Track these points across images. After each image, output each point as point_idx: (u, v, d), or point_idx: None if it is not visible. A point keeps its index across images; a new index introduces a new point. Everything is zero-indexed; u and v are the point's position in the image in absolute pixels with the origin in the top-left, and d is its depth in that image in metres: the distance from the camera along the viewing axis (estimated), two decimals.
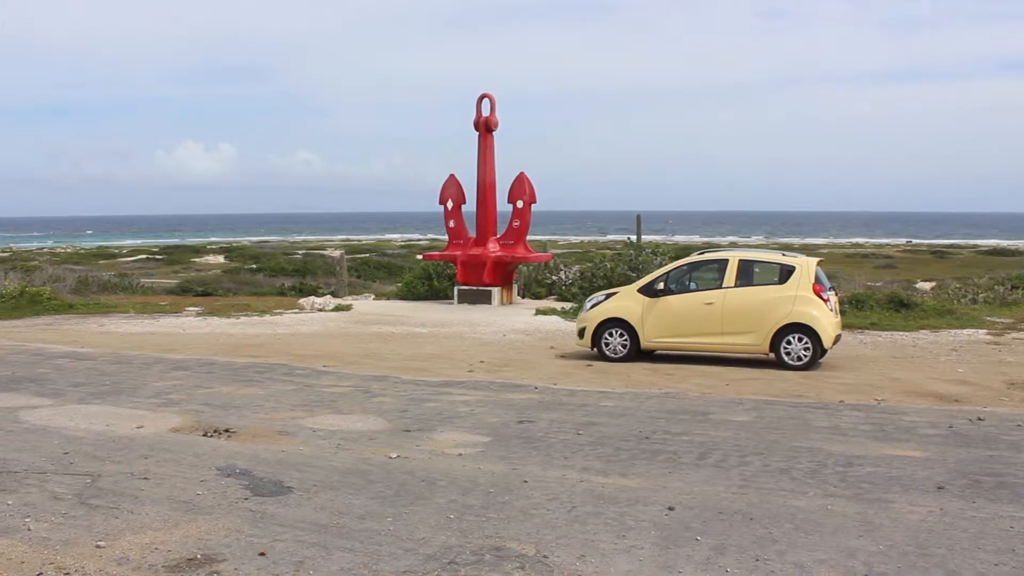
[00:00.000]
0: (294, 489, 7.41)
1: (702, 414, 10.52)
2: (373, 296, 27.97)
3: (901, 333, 18.13)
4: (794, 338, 14.07)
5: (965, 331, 18.25)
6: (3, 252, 71.58)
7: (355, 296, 27.63)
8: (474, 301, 23.80)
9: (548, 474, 7.90)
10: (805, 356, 14.02)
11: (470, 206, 24.77)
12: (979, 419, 10.19)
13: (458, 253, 24.51)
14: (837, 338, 14.71)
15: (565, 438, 9.29)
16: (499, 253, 23.96)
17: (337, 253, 40.63)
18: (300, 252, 68.14)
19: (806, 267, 14.49)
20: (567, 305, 23.01)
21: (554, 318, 20.80)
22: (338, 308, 23.64)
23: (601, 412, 10.65)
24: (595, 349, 15.25)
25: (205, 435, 9.40)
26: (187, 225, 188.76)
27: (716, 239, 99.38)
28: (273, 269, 44.97)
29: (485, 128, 24.06)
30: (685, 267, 15.24)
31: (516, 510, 6.87)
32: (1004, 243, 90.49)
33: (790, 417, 10.36)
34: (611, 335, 15.07)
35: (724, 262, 14.88)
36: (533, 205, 24.16)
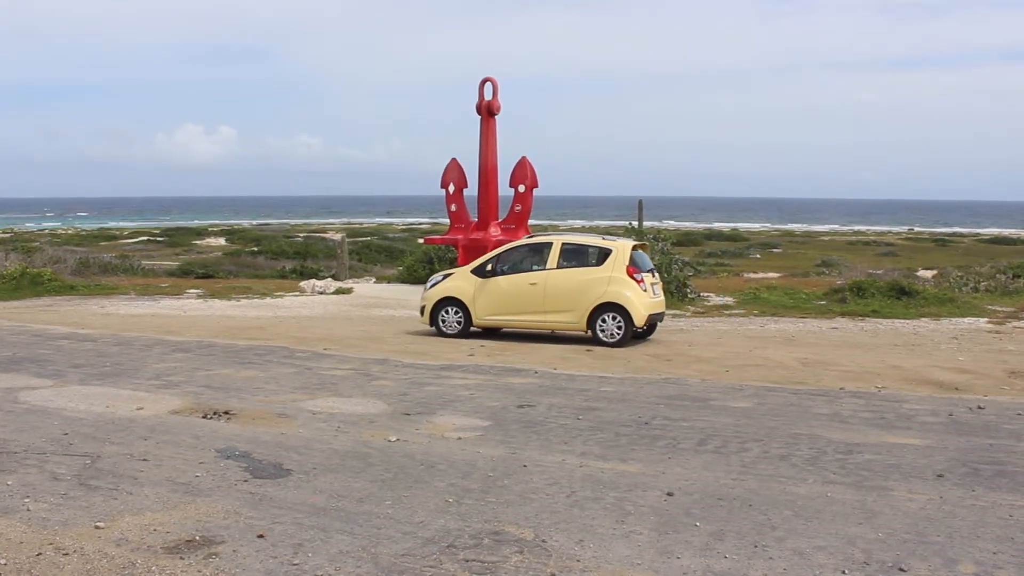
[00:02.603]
0: (293, 472, 7.41)
1: (702, 400, 10.51)
2: (374, 279, 27.97)
3: (902, 321, 18.12)
4: (608, 316, 15.02)
5: (966, 319, 18.24)
6: (4, 233, 71.52)
7: (356, 279, 27.63)
8: None
9: (547, 459, 7.89)
10: (618, 334, 14.95)
11: (472, 190, 24.71)
12: (979, 407, 10.18)
13: (459, 237, 24.45)
14: (658, 317, 15.80)
15: (565, 423, 9.28)
16: (500, 237, 23.87)
17: (338, 236, 40.59)
18: (301, 235, 68.06)
19: (622, 250, 15.39)
20: None
21: None
22: (339, 291, 23.63)
23: (601, 397, 10.65)
24: (433, 326, 16.18)
25: (205, 417, 9.40)
26: (186, 207, 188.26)
27: (716, 225, 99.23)
28: (274, 252, 44.91)
29: (487, 112, 23.96)
30: (515, 249, 16.21)
31: (515, 494, 6.86)
32: (1006, 231, 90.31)
33: (790, 404, 10.35)
34: (447, 313, 16.07)
35: (548, 245, 15.83)
36: (535, 190, 24.10)
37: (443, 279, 16.49)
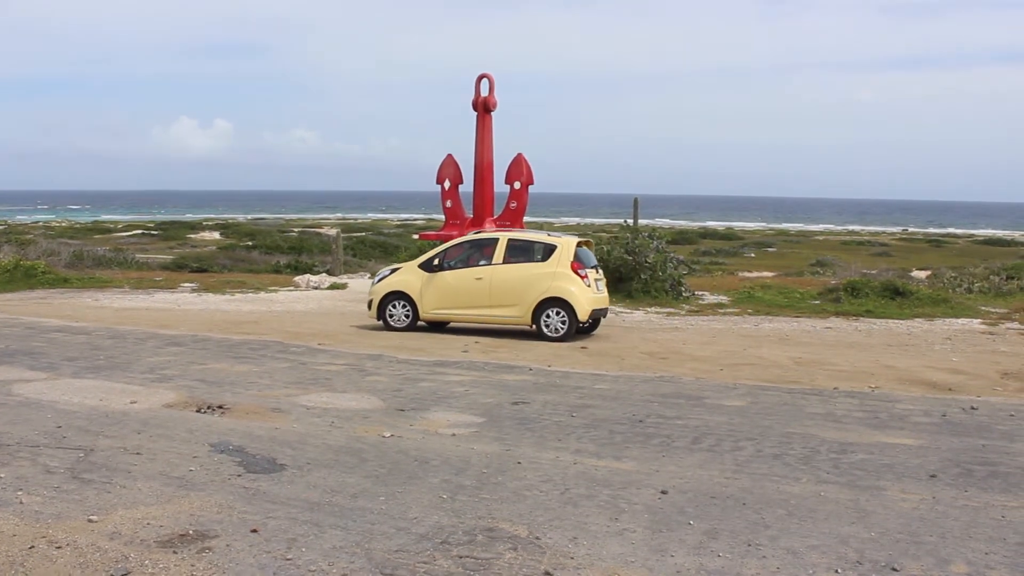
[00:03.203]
0: (287, 467, 7.40)
1: (696, 398, 10.52)
2: (369, 275, 27.92)
3: (896, 321, 18.15)
4: (552, 311, 15.35)
5: (960, 320, 18.28)
6: None
7: (351, 275, 27.60)
8: None
9: (541, 456, 7.90)
10: (562, 328, 15.29)
11: (467, 186, 24.67)
12: (972, 408, 10.21)
13: (455, 233, 24.41)
14: (602, 312, 16.12)
15: (559, 420, 9.28)
16: None
17: (333, 231, 40.52)
18: (296, 230, 67.92)
19: (566, 246, 15.73)
20: None
21: None
22: (333, 286, 23.62)
23: (595, 395, 10.65)
24: (380, 320, 16.36)
25: (199, 411, 9.39)
26: (180, 201, 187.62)
27: (711, 224, 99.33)
28: (269, 246, 44.79)
29: (484, 108, 23.90)
30: (461, 245, 16.46)
31: (509, 491, 6.86)
32: (1000, 233, 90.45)
33: (784, 403, 10.36)
34: (395, 307, 16.29)
35: (494, 240, 16.14)
36: (530, 187, 24.08)
37: (391, 273, 16.70)
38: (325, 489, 6.83)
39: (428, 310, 16.06)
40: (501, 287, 15.64)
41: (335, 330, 16.08)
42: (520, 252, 15.96)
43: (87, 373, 11.37)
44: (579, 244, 16.14)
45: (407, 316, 16.17)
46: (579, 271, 15.49)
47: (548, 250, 15.75)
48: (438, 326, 16.47)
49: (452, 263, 16.14)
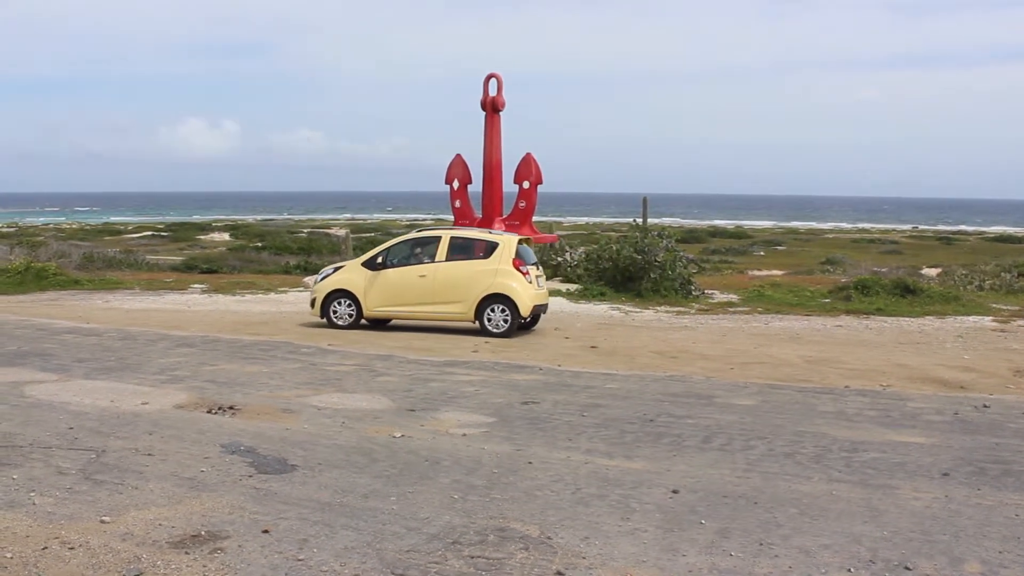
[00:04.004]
0: (298, 467, 7.41)
1: (707, 397, 10.50)
2: None
3: (907, 319, 18.09)
4: (496, 307, 15.69)
5: (971, 318, 18.20)
6: (8, 227, 71.62)
7: None
8: None
9: (552, 455, 7.89)
10: (504, 324, 15.63)
11: (476, 186, 24.67)
12: (985, 406, 10.16)
13: None
14: (542, 308, 16.44)
15: (570, 420, 9.28)
16: None
17: (342, 232, 40.56)
18: (305, 230, 68.02)
19: (508, 243, 16.09)
20: (572, 287, 22.97)
21: (559, 299, 20.77)
22: None
23: (606, 394, 10.64)
24: (324, 318, 16.51)
25: (209, 412, 9.41)
26: (187, 203, 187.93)
27: (720, 222, 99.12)
28: (278, 247, 44.80)
29: (492, 108, 23.92)
30: (404, 243, 16.79)
31: (520, 491, 6.86)
32: (1011, 230, 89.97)
33: (795, 402, 10.33)
34: (338, 305, 16.45)
35: (437, 239, 16.45)
36: (539, 186, 24.06)
37: (334, 272, 16.89)
38: (336, 489, 6.83)
39: (372, 308, 16.28)
40: (445, 284, 15.94)
41: (344, 331, 16.10)
42: (462, 250, 16.27)
43: (98, 374, 11.40)
44: (520, 242, 16.51)
45: (351, 314, 16.36)
46: (521, 268, 15.85)
47: (490, 248, 16.08)
48: (379, 323, 16.74)
49: (395, 261, 16.40)
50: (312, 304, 16.78)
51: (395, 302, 16.19)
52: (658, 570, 5.41)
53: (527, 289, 15.76)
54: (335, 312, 16.43)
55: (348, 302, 16.38)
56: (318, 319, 16.67)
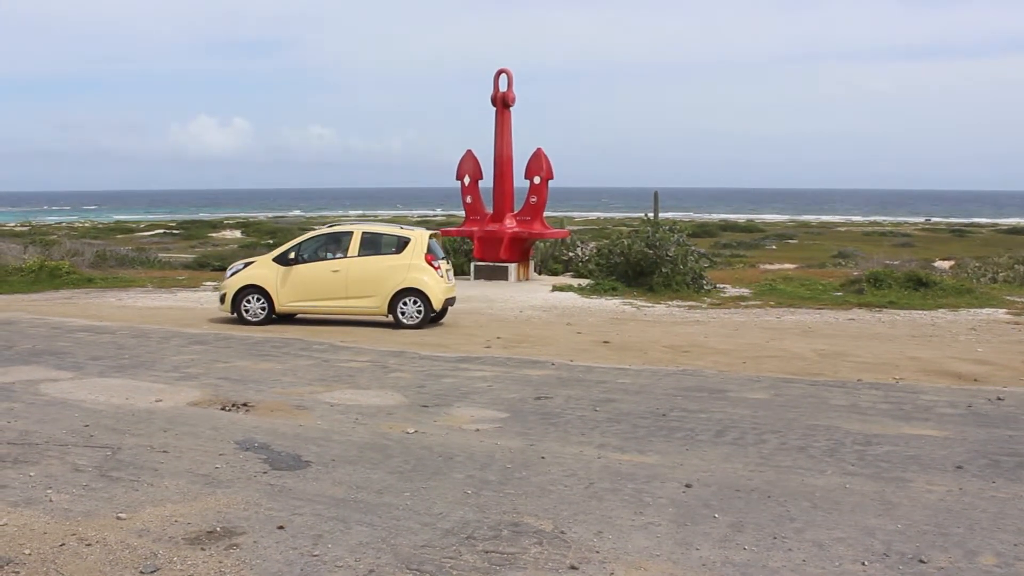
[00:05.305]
0: (312, 463, 7.45)
1: (719, 391, 10.49)
2: None
3: (920, 312, 18.03)
4: (409, 301, 16.03)
5: (984, 310, 18.13)
6: (22, 226, 71.98)
7: None
8: (491, 277, 23.79)
9: (565, 450, 7.90)
10: (417, 316, 16.02)
11: (487, 182, 24.70)
12: (998, 399, 10.13)
13: (475, 229, 24.47)
14: (450, 301, 16.79)
15: (582, 414, 9.29)
16: (516, 229, 23.90)
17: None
18: (317, 227, 68.16)
19: (420, 239, 16.44)
20: (584, 282, 22.97)
21: (571, 294, 20.78)
22: None
23: (618, 389, 10.64)
24: (235, 314, 16.47)
25: (223, 409, 9.45)
26: (200, 200, 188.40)
27: (731, 216, 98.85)
28: None
29: (502, 103, 23.95)
30: (316, 238, 16.88)
31: (534, 486, 6.88)
32: None
33: (808, 395, 10.32)
34: (250, 300, 16.43)
35: (349, 234, 16.61)
36: (550, 181, 24.07)
37: (244, 267, 16.87)
38: (350, 485, 6.86)
39: (284, 303, 16.35)
40: (358, 279, 16.15)
41: (356, 327, 16.14)
42: (374, 245, 16.53)
43: (113, 372, 11.47)
44: (431, 236, 16.87)
45: (263, 310, 16.36)
46: (432, 262, 16.20)
47: (402, 243, 16.38)
48: (288, 318, 16.76)
49: (307, 256, 16.49)
50: (222, 300, 16.72)
51: (308, 297, 16.30)
52: (671, 564, 5.42)
53: (439, 283, 16.17)
54: (246, 308, 16.38)
55: (259, 298, 16.36)
56: (229, 315, 16.62)
